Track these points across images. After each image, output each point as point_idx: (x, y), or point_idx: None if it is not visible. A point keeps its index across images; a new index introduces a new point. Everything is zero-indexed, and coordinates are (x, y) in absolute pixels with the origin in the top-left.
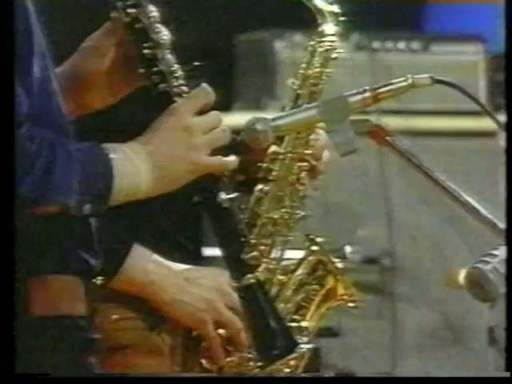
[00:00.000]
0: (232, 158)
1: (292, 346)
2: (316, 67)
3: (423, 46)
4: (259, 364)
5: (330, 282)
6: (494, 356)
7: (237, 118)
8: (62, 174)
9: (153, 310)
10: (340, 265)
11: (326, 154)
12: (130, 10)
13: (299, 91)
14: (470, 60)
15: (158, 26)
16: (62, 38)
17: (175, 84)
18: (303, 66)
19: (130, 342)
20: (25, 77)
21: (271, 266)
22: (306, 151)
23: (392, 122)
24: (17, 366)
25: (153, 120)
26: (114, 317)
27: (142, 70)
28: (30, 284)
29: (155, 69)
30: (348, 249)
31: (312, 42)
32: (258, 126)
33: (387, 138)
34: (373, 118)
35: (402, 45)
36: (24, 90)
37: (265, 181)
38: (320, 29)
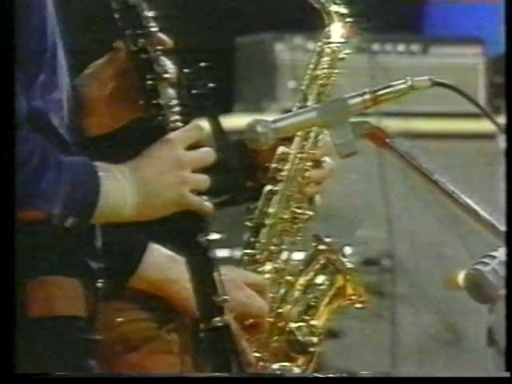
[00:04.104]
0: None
1: None
2: (324, 68)
3: (423, 49)
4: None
5: (339, 280)
6: (492, 356)
7: (237, 120)
8: (50, 182)
9: (162, 308)
10: (349, 264)
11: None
12: (138, 40)
13: (307, 92)
14: (469, 62)
15: (164, 59)
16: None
17: (171, 119)
18: (311, 66)
19: (139, 342)
20: (28, 80)
21: (278, 266)
22: (314, 151)
23: (391, 124)
24: (16, 366)
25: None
26: (120, 320)
27: (141, 101)
28: (28, 285)
29: (154, 101)
30: (348, 250)
31: (319, 43)
32: (259, 128)
33: (387, 140)
34: (372, 120)
35: (401, 47)
36: (24, 93)
37: (274, 181)
38: (327, 30)
